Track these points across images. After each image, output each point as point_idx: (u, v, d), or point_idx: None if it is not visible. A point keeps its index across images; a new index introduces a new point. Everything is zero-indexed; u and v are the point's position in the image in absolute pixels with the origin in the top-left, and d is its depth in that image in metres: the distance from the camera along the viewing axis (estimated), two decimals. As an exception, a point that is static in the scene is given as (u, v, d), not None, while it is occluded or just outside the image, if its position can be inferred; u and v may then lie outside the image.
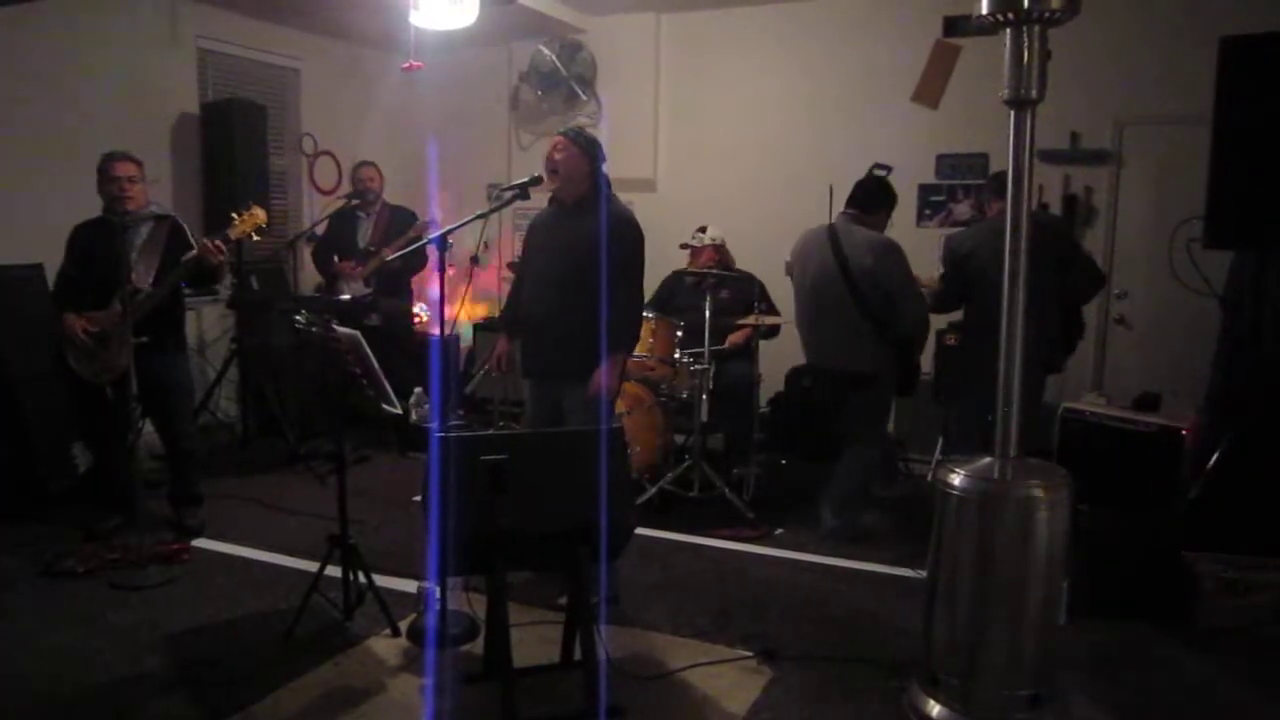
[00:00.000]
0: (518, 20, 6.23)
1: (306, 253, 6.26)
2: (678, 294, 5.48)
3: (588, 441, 2.86)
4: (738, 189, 6.45)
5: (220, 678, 2.99)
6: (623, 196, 3.84)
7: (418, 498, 4.66)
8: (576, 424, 3.51)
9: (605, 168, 3.64)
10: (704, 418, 4.85)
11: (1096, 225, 5.65)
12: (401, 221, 5.84)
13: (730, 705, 2.90)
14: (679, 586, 3.85)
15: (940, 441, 5.16)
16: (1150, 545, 3.64)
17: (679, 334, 4.96)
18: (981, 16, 2.65)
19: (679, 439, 5.26)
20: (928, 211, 6.04)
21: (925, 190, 6.02)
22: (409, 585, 3.66)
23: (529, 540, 2.79)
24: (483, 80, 7.24)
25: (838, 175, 5.17)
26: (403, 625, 3.35)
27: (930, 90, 5.95)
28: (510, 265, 5.85)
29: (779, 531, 4.53)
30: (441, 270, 3.21)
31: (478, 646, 3.15)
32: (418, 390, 5.77)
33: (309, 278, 6.44)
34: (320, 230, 6.07)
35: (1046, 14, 2.57)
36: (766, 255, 5.40)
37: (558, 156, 3.55)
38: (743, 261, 5.50)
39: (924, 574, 2.96)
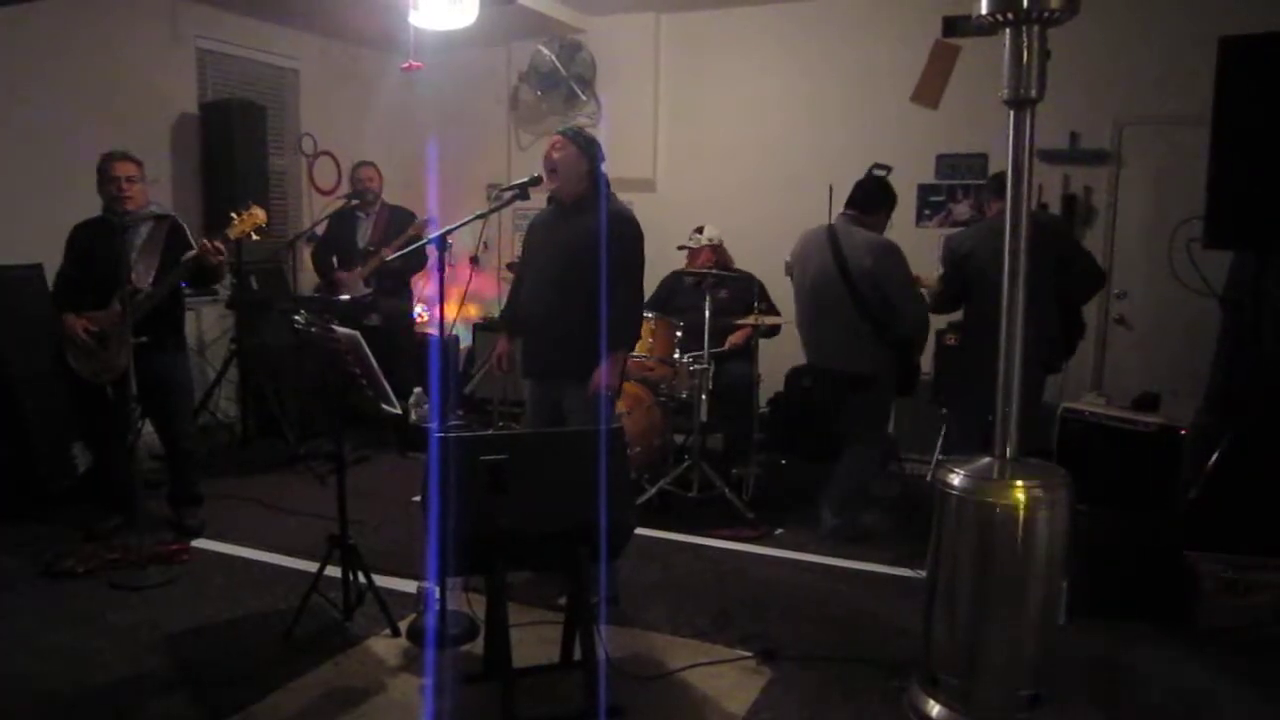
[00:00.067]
0: (517, 20, 6.23)
1: (306, 253, 6.26)
2: (677, 294, 5.48)
3: (587, 441, 2.86)
4: (737, 189, 6.45)
5: (220, 678, 2.99)
6: (622, 196, 3.84)
7: (417, 498, 4.66)
8: (576, 424, 3.51)
9: (604, 168, 3.64)
10: (704, 418, 4.85)
11: (1096, 225, 5.65)
12: (401, 221, 5.85)
13: (730, 705, 2.90)
14: (679, 586, 3.85)
15: (940, 441, 5.16)
16: (1150, 545, 3.64)
17: (678, 334, 4.97)
18: (981, 16, 2.65)
19: (678, 439, 5.26)
20: (927, 212, 6.04)
21: (925, 190, 6.03)
22: (409, 585, 3.66)
23: (529, 540, 2.79)
24: (482, 80, 7.24)
25: (837, 175, 5.17)
26: (402, 625, 3.35)
27: (930, 90, 5.95)
28: (510, 265, 5.86)
29: (779, 531, 4.53)
30: (441, 270, 3.21)
31: (477, 646, 3.15)
32: (417, 390, 5.78)
33: (308, 278, 6.44)
34: (320, 230, 6.08)
35: (1046, 14, 2.57)
36: (766, 255, 5.40)
37: (556, 156, 3.55)
38: (742, 261, 5.50)
39: (924, 574, 2.96)
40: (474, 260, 5.87)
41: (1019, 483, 2.68)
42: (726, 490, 4.73)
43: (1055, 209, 5.55)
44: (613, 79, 6.77)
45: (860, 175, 4.60)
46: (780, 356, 5.54)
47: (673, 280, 5.55)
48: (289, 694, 2.91)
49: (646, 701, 2.91)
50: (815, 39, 6.26)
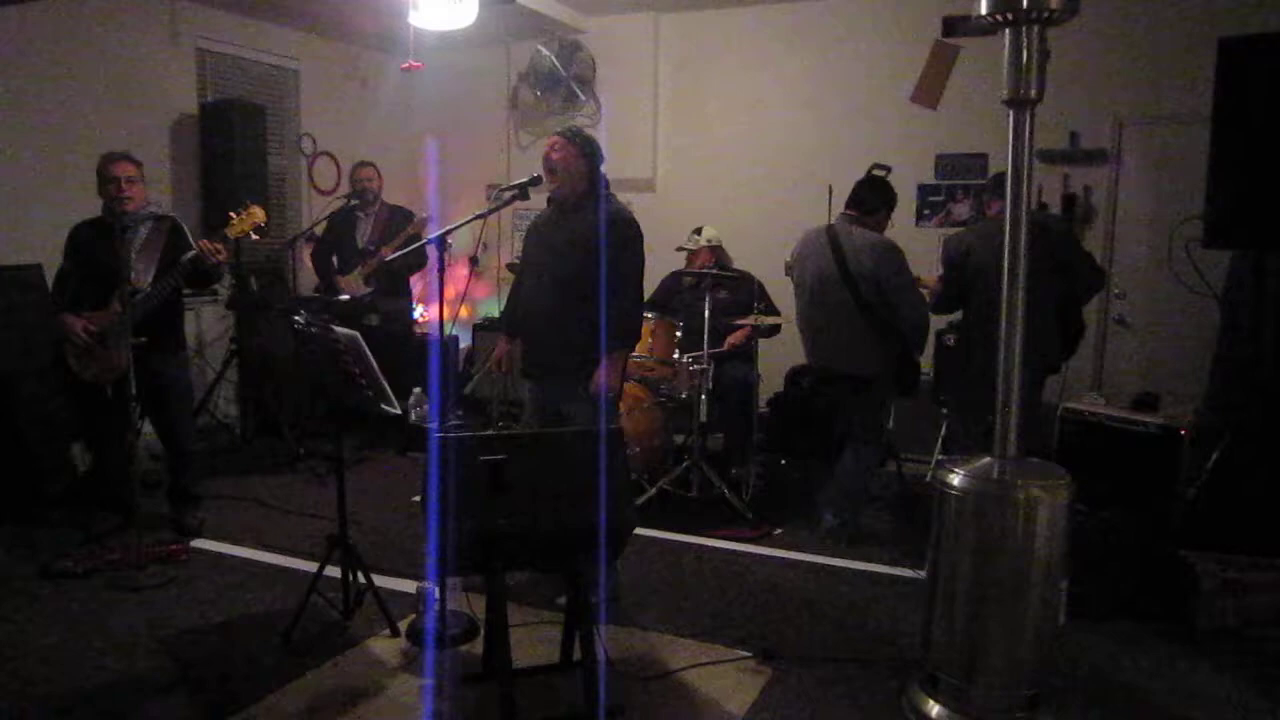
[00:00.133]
0: (517, 20, 6.23)
1: (306, 253, 6.26)
2: (676, 294, 5.49)
3: (587, 441, 2.86)
4: (737, 189, 6.46)
5: (219, 678, 2.99)
6: (622, 197, 3.84)
7: (417, 498, 4.66)
8: (576, 425, 3.51)
9: (604, 168, 3.64)
10: (703, 418, 4.85)
11: (1095, 225, 5.65)
12: (400, 221, 5.85)
13: (730, 705, 2.90)
14: (678, 586, 3.85)
15: (940, 441, 5.17)
16: (1149, 545, 3.65)
17: (678, 334, 4.97)
18: (981, 17, 2.65)
19: (678, 439, 5.26)
20: (927, 212, 6.04)
21: (924, 190, 6.03)
22: (408, 585, 3.66)
23: (528, 540, 2.78)
24: (482, 80, 7.24)
25: (837, 175, 5.18)
26: (402, 625, 3.35)
27: (929, 90, 5.95)
28: (509, 265, 5.86)
29: (778, 531, 4.53)
30: (441, 270, 3.21)
31: (477, 647, 3.14)
32: (417, 390, 5.78)
33: (308, 278, 6.44)
34: (319, 231, 6.08)
35: (1045, 14, 2.57)
36: (766, 255, 5.40)
37: (555, 156, 3.54)
38: (742, 261, 5.50)
39: (923, 574, 2.96)
40: (473, 260, 5.88)
41: (1019, 483, 2.69)
42: (726, 490, 4.73)
43: (1055, 209, 5.56)
44: (612, 79, 6.77)
45: (860, 175, 4.60)
46: (780, 356, 5.54)
47: (672, 280, 5.56)
48: (288, 694, 2.91)
49: (646, 701, 2.91)
50: (815, 39, 6.26)
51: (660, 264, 5.13)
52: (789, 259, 4.69)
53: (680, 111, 6.75)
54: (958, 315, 4.64)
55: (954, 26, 5.01)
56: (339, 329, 3.27)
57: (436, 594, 3.15)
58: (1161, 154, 5.46)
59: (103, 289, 4.03)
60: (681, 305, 5.35)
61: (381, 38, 6.59)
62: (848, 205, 4.44)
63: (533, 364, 3.74)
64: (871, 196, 4.40)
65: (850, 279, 4.21)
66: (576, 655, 2.83)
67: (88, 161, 4.17)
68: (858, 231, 4.29)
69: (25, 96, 4.98)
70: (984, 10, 2.63)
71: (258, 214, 4.16)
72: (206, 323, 6.11)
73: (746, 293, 5.16)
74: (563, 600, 3.07)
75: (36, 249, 4.62)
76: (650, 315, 4.84)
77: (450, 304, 5.78)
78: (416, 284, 6.39)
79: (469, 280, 5.95)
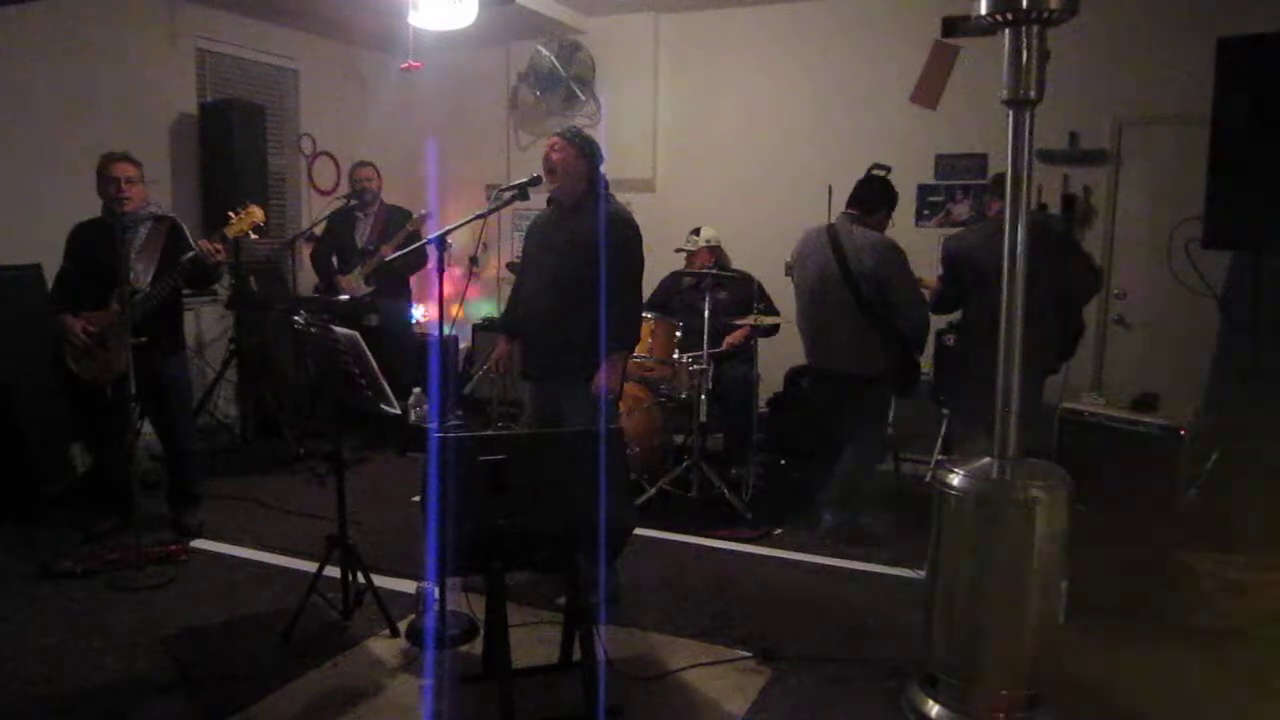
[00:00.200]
0: (516, 20, 6.23)
1: (305, 253, 6.26)
2: (676, 295, 5.49)
3: (587, 442, 2.86)
4: (737, 189, 6.46)
5: (218, 678, 2.99)
6: (622, 197, 3.85)
7: (417, 498, 4.66)
8: (575, 425, 3.50)
9: (603, 168, 3.64)
10: (703, 418, 4.85)
11: (1095, 225, 5.65)
12: (400, 220, 5.85)
13: (729, 705, 2.90)
14: (678, 586, 3.85)
15: (940, 441, 5.17)
16: (1149, 545, 3.64)
17: (678, 334, 4.96)
18: (980, 17, 2.65)
19: (678, 439, 5.26)
20: (926, 212, 6.04)
21: (924, 190, 6.02)
22: (408, 585, 3.66)
23: (528, 540, 2.78)
24: (481, 81, 7.24)
25: (837, 175, 5.17)
26: (402, 625, 3.35)
27: (929, 91, 5.95)
28: (509, 266, 5.86)
29: (778, 532, 4.53)
30: (440, 270, 3.21)
31: (477, 647, 3.14)
32: (416, 390, 5.78)
33: (307, 278, 6.44)
34: (318, 231, 6.08)
35: (1045, 14, 2.57)
36: (766, 255, 5.40)
37: (555, 157, 3.55)
38: (741, 261, 5.50)
39: (923, 574, 2.96)
40: (473, 261, 5.88)
41: (1018, 483, 2.68)
42: (726, 490, 4.73)
43: (1055, 209, 5.55)
44: (612, 79, 6.76)
45: (860, 175, 4.60)
46: (780, 357, 5.54)
47: (672, 281, 5.56)
48: (288, 694, 2.91)
49: (646, 702, 2.91)
50: (815, 39, 6.26)
51: (660, 264, 5.13)
52: (789, 259, 4.69)
53: (680, 112, 6.74)
54: (957, 315, 4.64)
55: (954, 26, 5.00)
56: (339, 329, 3.27)
57: (436, 594, 3.15)
58: (1161, 154, 5.46)
59: (102, 289, 4.03)
60: (681, 305, 5.35)
61: (381, 38, 6.59)
62: (848, 204, 4.44)
63: (532, 364, 3.74)
64: (872, 196, 4.40)
65: (851, 278, 4.21)
66: (576, 655, 2.83)
67: (88, 162, 4.17)
68: (859, 231, 4.29)
69: (25, 96, 4.97)
70: (984, 10, 2.63)
71: (257, 214, 4.16)
72: (206, 323, 6.10)
73: (746, 293, 5.16)
74: (562, 600, 3.07)
75: (36, 249, 4.62)
76: (650, 315, 4.85)
77: (444, 304, 5.77)
78: (416, 284, 6.38)
79: (468, 282, 5.94)
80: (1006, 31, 2.63)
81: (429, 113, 7.18)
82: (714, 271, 4.97)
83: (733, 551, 4.30)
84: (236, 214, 4.13)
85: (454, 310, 6.44)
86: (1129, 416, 4.20)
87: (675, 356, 4.93)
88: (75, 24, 5.19)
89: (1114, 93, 5.46)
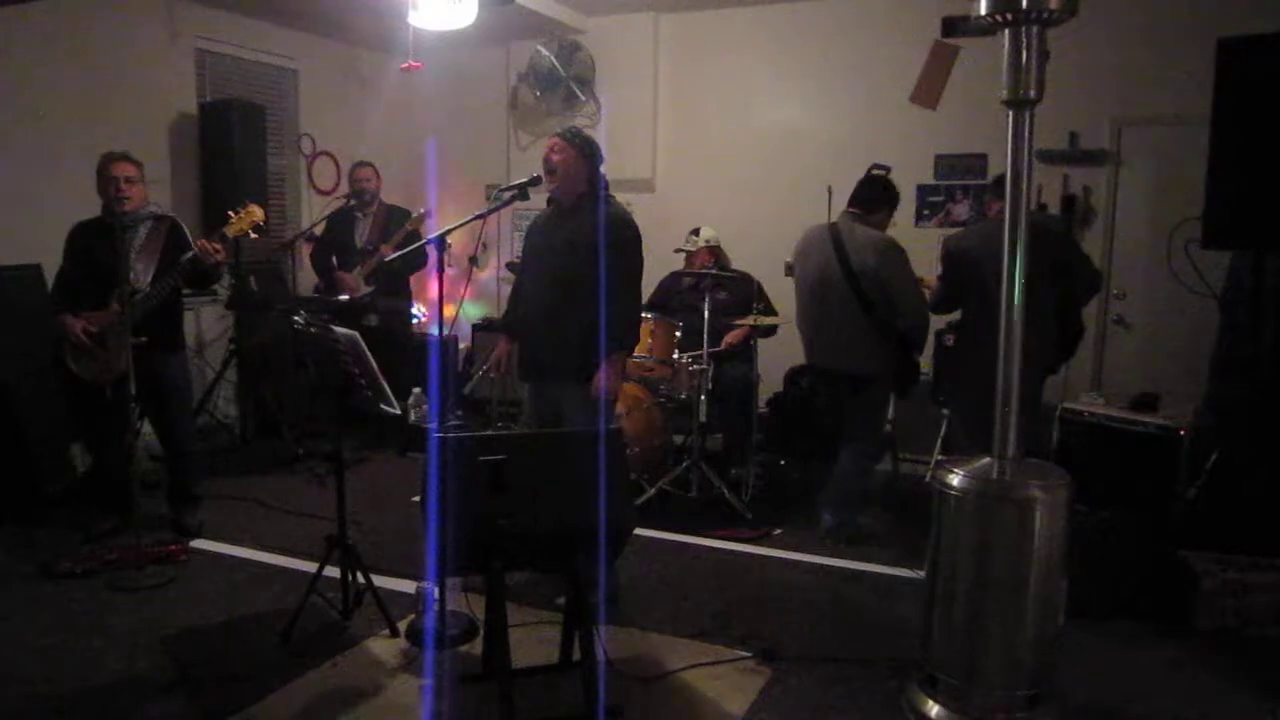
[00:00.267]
0: (516, 20, 6.23)
1: (305, 253, 6.26)
2: (675, 295, 5.49)
3: (587, 442, 2.86)
4: (736, 189, 6.46)
5: (218, 678, 2.99)
6: (621, 197, 3.84)
7: (416, 498, 4.65)
8: (575, 425, 3.50)
9: (603, 168, 3.64)
10: (702, 418, 4.85)
11: (1095, 226, 5.65)
12: (399, 220, 5.84)
13: (729, 706, 2.90)
14: (678, 587, 3.85)
15: (940, 441, 5.17)
16: (1149, 545, 3.65)
17: (677, 335, 4.96)
18: (980, 17, 2.65)
19: (678, 439, 5.26)
20: (926, 212, 6.04)
21: (924, 191, 6.02)
22: (408, 586, 3.66)
23: (528, 540, 2.78)
24: (481, 81, 7.24)
25: (837, 175, 5.18)
26: (401, 626, 3.35)
27: (929, 90, 5.95)
28: (509, 265, 5.86)
29: (777, 532, 4.53)
30: (440, 270, 3.21)
31: (476, 647, 3.14)
32: (416, 390, 5.77)
33: (307, 278, 6.44)
34: (318, 231, 6.08)
35: (1045, 14, 2.57)
36: (765, 255, 5.40)
37: (555, 158, 3.55)
38: (741, 262, 5.50)
39: (923, 574, 2.96)
40: (473, 260, 5.88)
41: (1018, 483, 2.69)
42: (725, 490, 4.73)
43: (1054, 209, 5.56)
44: (612, 79, 6.76)
45: (860, 175, 4.60)
46: (779, 357, 5.54)
47: (671, 281, 5.55)
48: (287, 695, 2.91)
49: (645, 702, 2.91)
50: (815, 39, 6.26)
51: (659, 264, 5.12)
52: (789, 259, 4.68)
53: (680, 112, 6.74)
54: (957, 315, 4.64)
55: (954, 27, 5.01)
56: (338, 329, 3.27)
57: (436, 594, 3.15)
58: (1161, 154, 5.46)
59: (102, 289, 4.02)
60: (681, 306, 5.35)
61: (381, 38, 6.58)
62: (850, 203, 4.44)
63: (531, 364, 3.74)
64: (874, 195, 4.40)
65: (852, 276, 4.21)
66: (576, 655, 2.83)
67: (88, 161, 4.17)
68: (860, 229, 4.29)
69: (25, 96, 4.97)
70: (983, 10, 2.63)
71: (256, 213, 4.16)
72: (206, 323, 6.10)
73: (745, 293, 5.16)
74: (562, 600, 3.07)
75: (36, 249, 4.62)
76: (649, 316, 4.84)
77: (449, 304, 5.77)
78: (415, 284, 6.38)
79: (468, 281, 5.93)
80: (1006, 32, 2.63)
81: (429, 113, 7.18)
82: (714, 272, 4.97)
83: (732, 551, 4.30)
84: (236, 214, 4.13)
85: (449, 310, 6.45)
86: (1129, 416, 4.20)
87: (675, 357, 4.93)
88: (75, 24, 5.18)
89: (1114, 93, 5.46)
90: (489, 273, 7.26)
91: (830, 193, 5.07)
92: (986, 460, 2.79)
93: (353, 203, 5.92)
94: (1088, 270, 4.32)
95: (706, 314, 4.83)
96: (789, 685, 3.03)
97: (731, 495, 4.73)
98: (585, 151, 3.56)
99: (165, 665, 3.08)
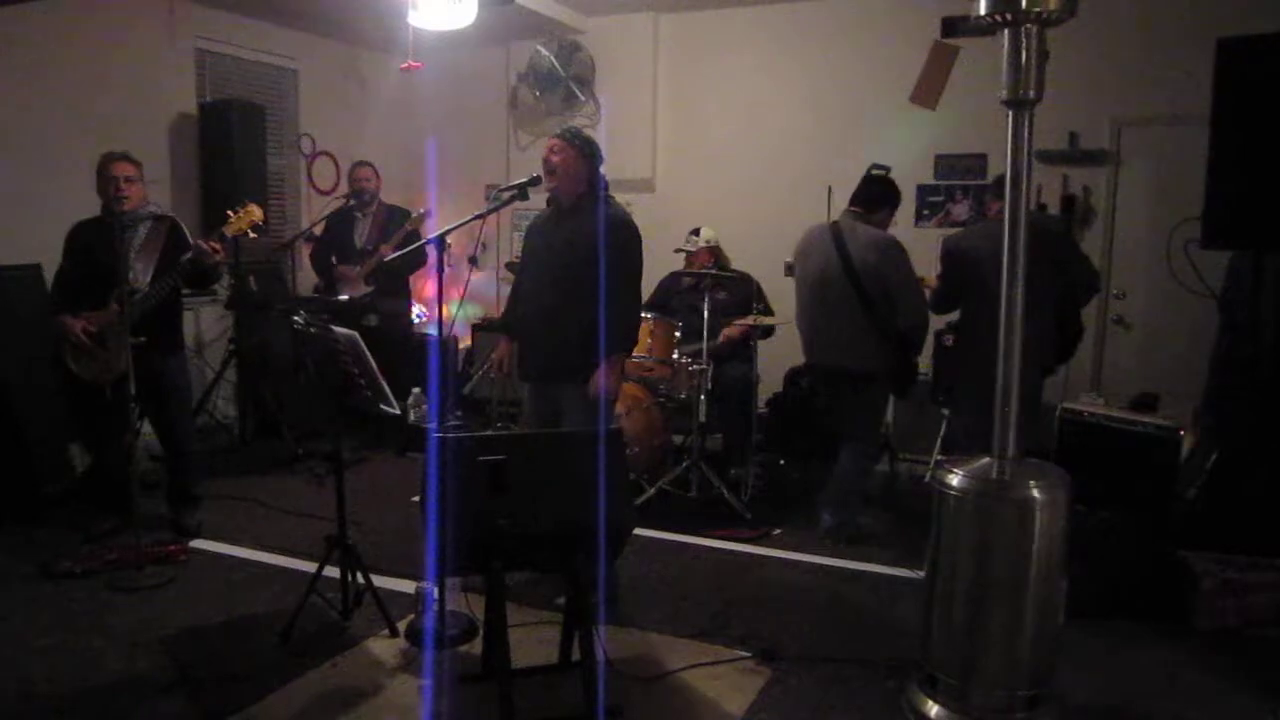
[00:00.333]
0: (516, 20, 6.23)
1: (305, 253, 6.26)
2: (675, 295, 5.48)
3: (586, 442, 2.86)
4: (736, 190, 6.46)
5: (218, 678, 2.99)
6: (621, 197, 3.84)
7: (416, 498, 4.65)
8: (575, 426, 3.50)
9: (603, 168, 3.64)
10: (702, 418, 4.85)
11: (1095, 226, 5.65)
12: (399, 220, 5.84)
13: (729, 706, 2.90)
14: (677, 587, 3.85)
15: (940, 441, 5.17)
16: (1148, 545, 3.65)
17: (677, 335, 4.96)
18: (980, 17, 2.65)
19: (677, 439, 5.26)
20: (926, 212, 6.04)
21: (923, 191, 6.03)
22: (407, 586, 3.66)
23: (527, 541, 2.78)
24: (481, 81, 7.24)
25: (836, 176, 5.18)
26: (401, 626, 3.34)
27: (928, 91, 5.93)
28: (509, 265, 5.86)
29: (777, 532, 4.53)
30: (440, 270, 3.21)
31: (476, 647, 3.14)
32: (416, 390, 5.78)
33: (307, 278, 6.44)
34: (317, 231, 6.08)
35: (1044, 14, 2.57)
36: (765, 256, 5.40)
37: (555, 159, 3.55)
38: (741, 262, 5.50)
39: (923, 574, 2.96)
40: (472, 261, 5.88)
41: (1018, 483, 2.68)
42: (725, 490, 4.73)
43: (1054, 209, 5.56)
44: (611, 79, 6.77)
45: (859, 175, 4.60)
46: (779, 357, 5.54)
47: (671, 281, 5.55)
48: (287, 695, 2.91)
49: (645, 702, 2.91)
50: (815, 39, 6.26)
51: (659, 264, 5.12)
52: (789, 259, 4.68)
53: (679, 112, 6.74)
54: (956, 315, 4.64)
55: (953, 27, 5.01)
56: (338, 329, 3.27)
57: (435, 594, 3.15)
58: (1160, 154, 5.46)
59: (101, 289, 4.02)
60: (680, 306, 5.35)
61: (381, 38, 6.59)
62: (852, 202, 4.44)
63: (531, 365, 3.74)
64: (876, 194, 4.41)
65: (854, 274, 4.21)
66: (576, 655, 2.83)
67: (87, 161, 4.17)
68: (862, 228, 4.29)
69: (24, 95, 4.97)
70: (983, 11, 2.63)
71: (255, 213, 4.16)
72: (205, 323, 6.10)
73: (745, 293, 5.16)
74: (562, 600, 3.07)
75: (36, 249, 4.62)
76: (649, 316, 4.84)
77: (434, 304, 5.78)
78: (415, 284, 6.38)
79: (468, 282, 5.93)
80: (1006, 32, 2.63)
81: (428, 113, 7.19)
82: (713, 272, 4.97)
83: (732, 551, 4.30)
84: (235, 213, 4.13)
85: (440, 310, 6.45)
86: (1128, 416, 4.20)
87: (675, 357, 4.93)
88: (75, 24, 5.19)
89: (1113, 93, 5.46)
90: (486, 274, 7.24)
91: (830, 193, 5.07)
92: (986, 460, 2.79)
93: (352, 203, 5.92)
94: (1087, 270, 4.32)
95: (706, 314, 4.83)
96: (788, 685, 3.03)
97: (731, 495, 4.73)
98: (585, 152, 3.56)
99: (165, 665, 3.08)
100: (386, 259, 5.52)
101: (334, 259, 5.88)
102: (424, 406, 5.75)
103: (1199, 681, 3.11)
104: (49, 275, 4.41)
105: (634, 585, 3.80)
